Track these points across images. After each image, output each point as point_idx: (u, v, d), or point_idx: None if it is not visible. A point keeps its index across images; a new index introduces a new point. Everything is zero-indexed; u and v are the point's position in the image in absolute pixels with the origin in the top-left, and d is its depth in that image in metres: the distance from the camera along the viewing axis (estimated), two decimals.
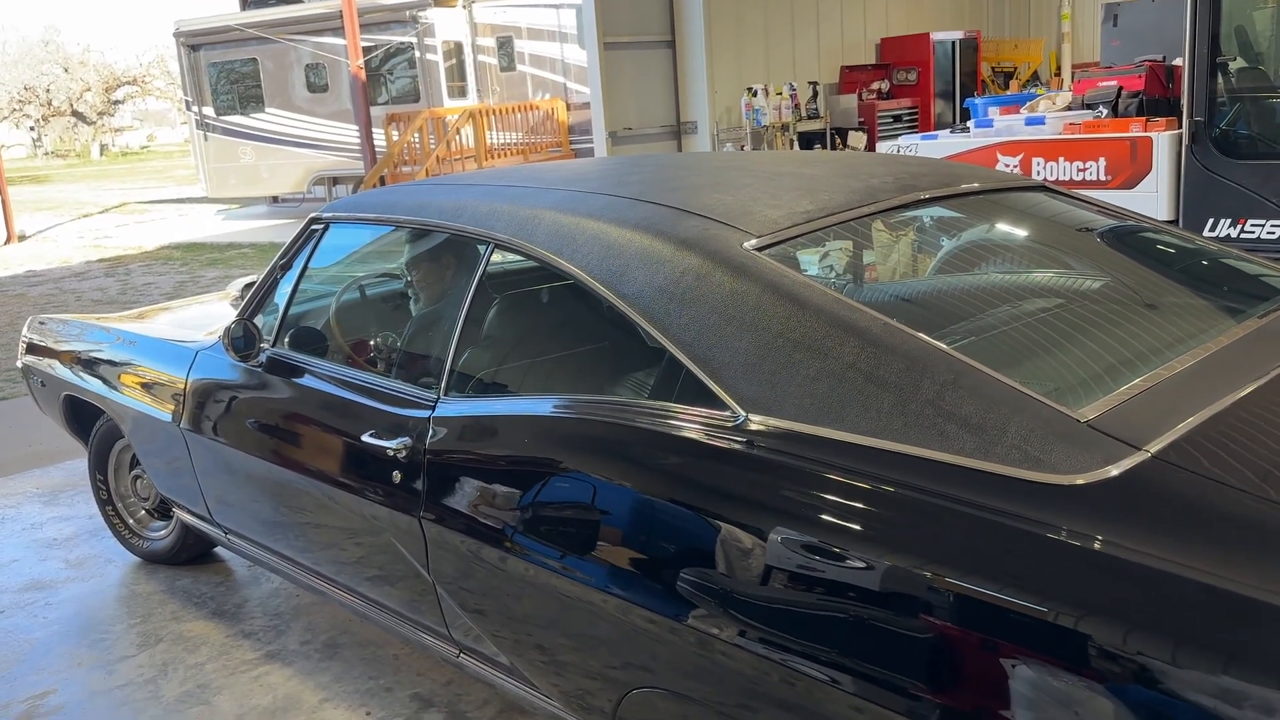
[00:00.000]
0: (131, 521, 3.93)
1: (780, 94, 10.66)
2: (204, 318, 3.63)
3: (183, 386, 3.10)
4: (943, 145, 6.28)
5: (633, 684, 1.88)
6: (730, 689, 1.69)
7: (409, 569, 2.37)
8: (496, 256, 2.37)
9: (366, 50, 15.58)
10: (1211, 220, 5.17)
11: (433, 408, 2.28)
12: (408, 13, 15.80)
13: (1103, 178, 5.53)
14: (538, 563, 1.97)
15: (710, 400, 1.81)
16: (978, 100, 7.36)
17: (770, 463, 1.68)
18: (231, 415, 2.90)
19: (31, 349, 4.03)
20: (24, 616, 3.54)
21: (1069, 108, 6.13)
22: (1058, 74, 14.17)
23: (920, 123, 12.18)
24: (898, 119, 11.99)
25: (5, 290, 11.24)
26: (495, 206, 2.37)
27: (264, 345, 2.81)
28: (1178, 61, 5.70)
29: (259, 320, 2.90)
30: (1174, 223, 5.20)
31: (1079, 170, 5.62)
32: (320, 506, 2.60)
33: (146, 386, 3.29)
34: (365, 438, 2.38)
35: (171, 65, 37.38)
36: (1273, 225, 4.99)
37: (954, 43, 12.76)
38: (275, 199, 18.90)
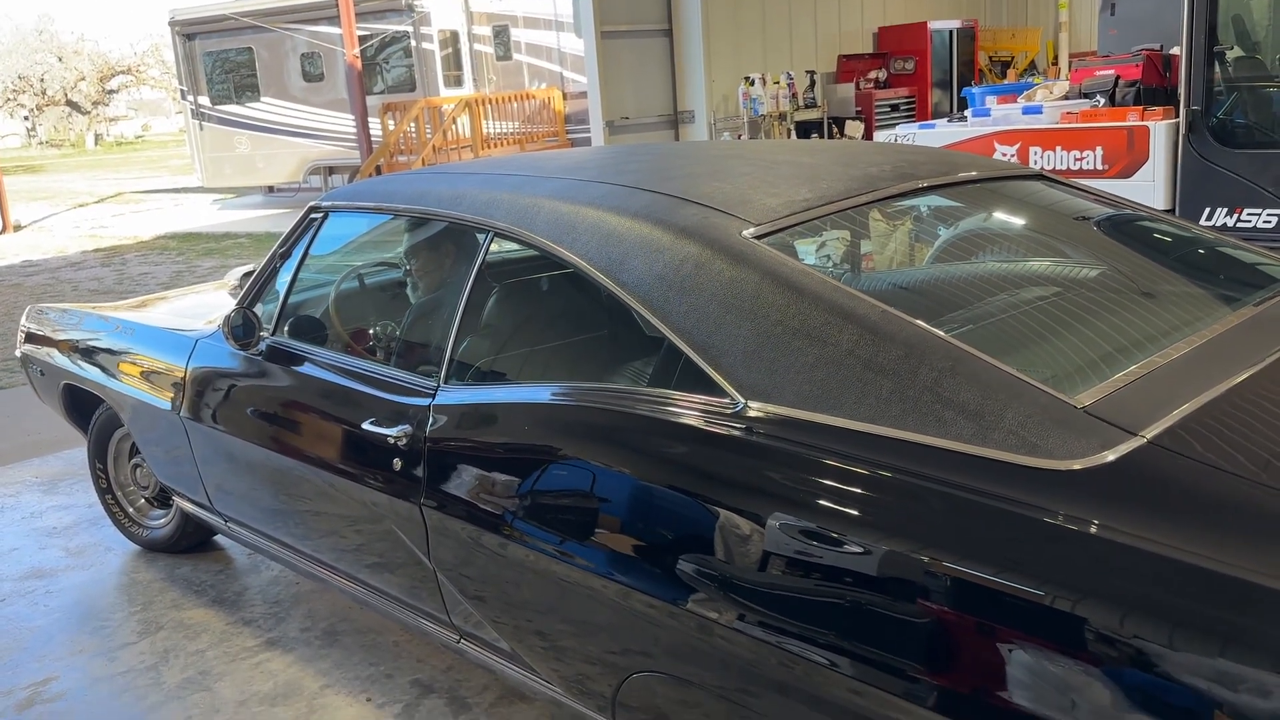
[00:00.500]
0: (131, 510, 3.94)
1: (777, 83, 10.64)
2: (202, 307, 3.64)
3: (182, 375, 3.10)
4: (940, 134, 6.28)
5: (632, 668, 1.90)
6: (729, 673, 1.70)
7: (409, 556, 2.39)
8: (496, 245, 2.38)
9: (362, 39, 15.54)
10: (1208, 209, 5.18)
11: (433, 395, 2.29)
12: (403, 1, 15.75)
13: (1100, 167, 5.54)
14: (538, 549, 1.99)
15: (709, 387, 1.82)
16: (975, 89, 7.35)
17: (769, 449, 1.69)
18: (231, 403, 2.91)
19: (30, 338, 4.03)
20: (25, 604, 3.55)
21: (1066, 97, 6.13)
22: (1055, 63, 14.16)
23: (917, 112, 12.16)
24: (895, 108, 11.97)
25: (2, 280, 11.22)
26: (495, 195, 2.38)
27: (264, 333, 2.82)
28: (1175, 50, 5.70)
29: (259, 309, 2.91)
30: (1171, 212, 5.20)
31: (1076, 159, 5.63)
32: (320, 494, 2.61)
33: (146, 375, 3.30)
34: (366, 425, 2.39)
35: (166, 54, 37.27)
36: (1269, 214, 5.01)
37: (951, 32, 12.74)
38: (271, 189, 18.86)
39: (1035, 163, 5.77)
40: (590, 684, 2.03)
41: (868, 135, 11.31)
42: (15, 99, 43.87)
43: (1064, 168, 5.66)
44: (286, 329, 2.83)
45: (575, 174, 2.40)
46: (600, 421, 1.94)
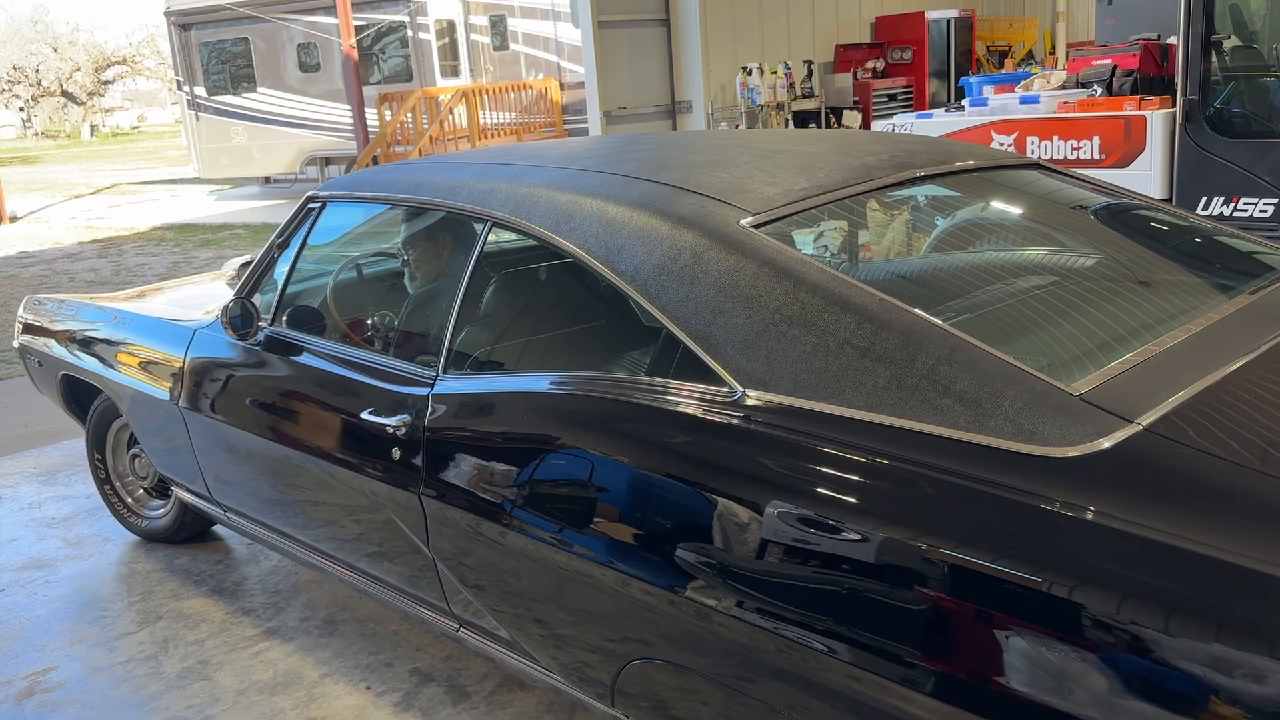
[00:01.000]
0: (130, 500, 3.94)
1: (775, 73, 10.62)
2: (201, 297, 3.64)
3: (181, 365, 3.11)
4: (938, 124, 6.27)
5: (631, 656, 1.91)
6: (727, 660, 1.71)
7: (409, 545, 2.39)
8: (494, 235, 2.38)
9: (359, 29, 15.51)
10: (1205, 198, 5.19)
11: (432, 385, 2.30)
12: None
13: (1097, 156, 5.54)
14: (537, 537, 1.99)
15: (708, 376, 1.83)
16: (972, 79, 7.35)
17: (767, 437, 1.69)
18: (230, 393, 2.92)
19: (28, 329, 4.03)
20: (24, 594, 3.56)
21: (1063, 86, 6.13)
22: (1052, 53, 14.15)
23: (915, 101, 12.15)
24: (892, 98, 11.95)
25: None
26: (493, 185, 2.38)
27: (262, 324, 2.82)
28: (1172, 40, 5.70)
29: (256, 299, 2.91)
30: (1168, 201, 5.21)
31: (1073, 149, 5.63)
32: (320, 484, 2.62)
33: (144, 365, 3.30)
34: (365, 415, 2.39)
35: (162, 45, 37.17)
36: (1265, 203, 5.01)
37: (949, 21, 12.72)
38: (267, 179, 18.83)
39: (1032, 152, 5.78)
40: (589, 671, 2.05)
41: (865, 125, 11.30)
42: (10, 90, 43.73)
43: (1061, 157, 5.66)
44: (285, 319, 2.83)
45: (573, 163, 2.40)
46: (599, 410, 1.95)
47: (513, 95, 15.65)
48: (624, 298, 2.00)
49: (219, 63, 17.57)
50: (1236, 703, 1.21)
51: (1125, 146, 5.45)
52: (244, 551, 3.77)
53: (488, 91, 15.41)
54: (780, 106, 10.72)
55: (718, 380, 1.81)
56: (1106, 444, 1.47)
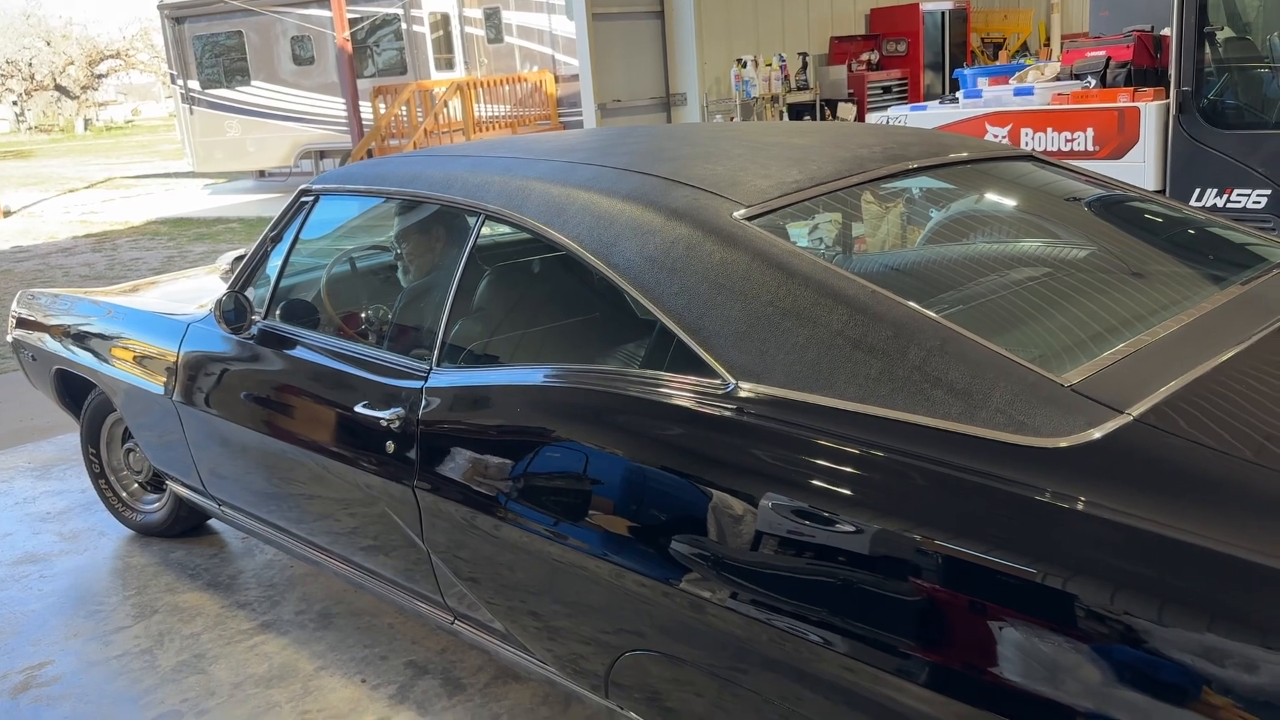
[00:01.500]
0: (124, 495, 3.94)
1: (770, 65, 10.61)
2: (194, 291, 3.63)
3: (175, 359, 3.10)
4: (932, 116, 6.27)
5: (625, 647, 1.91)
6: (721, 651, 1.72)
7: (403, 538, 2.40)
8: (487, 228, 2.38)
9: (353, 22, 15.45)
10: (1198, 190, 5.19)
11: (425, 378, 2.30)
12: None
13: (1090, 148, 5.54)
14: (531, 530, 2.00)
15: (700, 368, 1.83)
16: (967, 71, 7.34)
17: (760, 429, 1.70)
18: (224, 387, 2.91)
19: (21, 323, 4.02)
20: (19, 589, 3.56)
21: (1057, 78, 6.13)
22: (1046, 44, 14.15)
23: (909, 94, 12.15)
24: (887, 90, 11.95)
25: None
26: (486, 177, 2.38)
27: (255, 317, 2.82)
28: (1166, 31, 5.70)
29: (250, 293, 2.91)
30: (1161, 192, 5.22)
31: (1067, 140, 5.63)
32: (314, 477, 2.62)
33: (138, 360, 3.30)
34: (359, 408, 2.39)
35: (155, 38, 37.00)
36: (1258, 194, 5.02)
37: (943, 13, 12.72)
38: (262, 173, 18.78)
39: (1026, 144, 5.77)
40: (584, 663, 2.05)
41: (860, 117, 11.30)
42: (3, 84, 43.57)
43: (1055, 149, 5.66)
44: (278, 313, 2.83)
45: (566, 156, 2.40)
46: (592, 403, 1.95)
47: (507, 88, 15.62)
48: (617, 290, 2.00)
49: (213, 56, 17.51)
50: (1228, 692, 1.21)
51: (1119, 138, 5.45)
52: (239, 545, 3.77)
53: (482, 84, 15.38)
54: (775, 99, 10.72)
55: (710, 372, 1.81)
56: (1097, 434, 1.48)
